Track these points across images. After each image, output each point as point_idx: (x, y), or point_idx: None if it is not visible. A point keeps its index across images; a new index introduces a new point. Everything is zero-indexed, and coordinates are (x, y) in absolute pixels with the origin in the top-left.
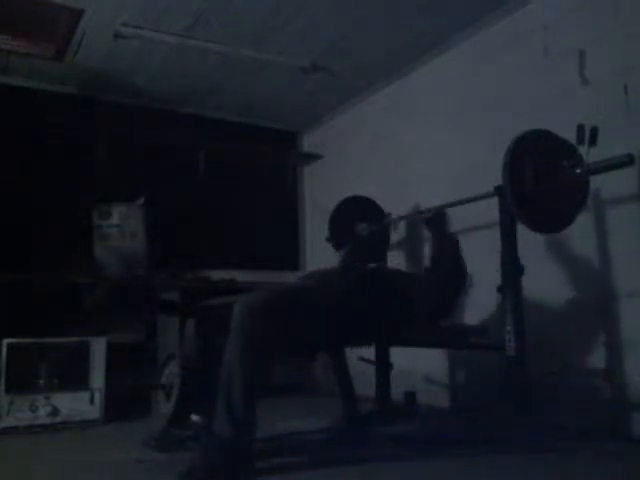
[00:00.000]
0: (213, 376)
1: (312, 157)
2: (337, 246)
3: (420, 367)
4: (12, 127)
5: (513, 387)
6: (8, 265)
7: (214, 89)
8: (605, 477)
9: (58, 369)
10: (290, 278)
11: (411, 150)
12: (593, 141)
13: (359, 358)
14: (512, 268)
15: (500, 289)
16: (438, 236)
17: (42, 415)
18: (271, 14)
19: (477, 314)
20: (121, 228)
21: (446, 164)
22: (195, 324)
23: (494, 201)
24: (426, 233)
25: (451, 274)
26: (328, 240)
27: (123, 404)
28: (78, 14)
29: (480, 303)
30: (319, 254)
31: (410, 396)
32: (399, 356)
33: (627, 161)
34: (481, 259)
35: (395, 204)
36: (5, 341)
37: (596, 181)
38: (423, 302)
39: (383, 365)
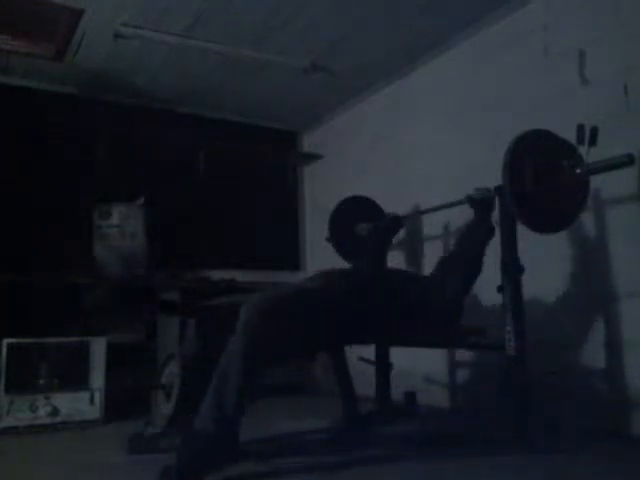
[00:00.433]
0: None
1: (312, 157)
2: (337, 246)
3: (420, 367)
4: (12, 127)
5: (513, 387)
6: (8, 265)
7: (214, 89)
8: (605, 477)
9: (58, 369)
10: (291, 278)
11: (411, 150)
12: (593, 141)
13: (359, 358)
14: (512, 268)
15: (500, 289)
16: (482, 219)
17: (42, 415)
18: (271, 14)
19: (477, 314)
20: (121, 228)
21: (446, 164)
22: (195, 324)
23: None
24: (427, 232)
25: (477, 261)
26: (328, 240)
27: (123, 404)
28: (78, 14)
29: (480, 303)
30: (319, 254)
31: (410, 396)
32: (399, 356)
33: (627, 161)
34: None
35: (395, 204)
36: (5, 341)
37: (596, 181)
38: (441, 292)
39: (383, 365)
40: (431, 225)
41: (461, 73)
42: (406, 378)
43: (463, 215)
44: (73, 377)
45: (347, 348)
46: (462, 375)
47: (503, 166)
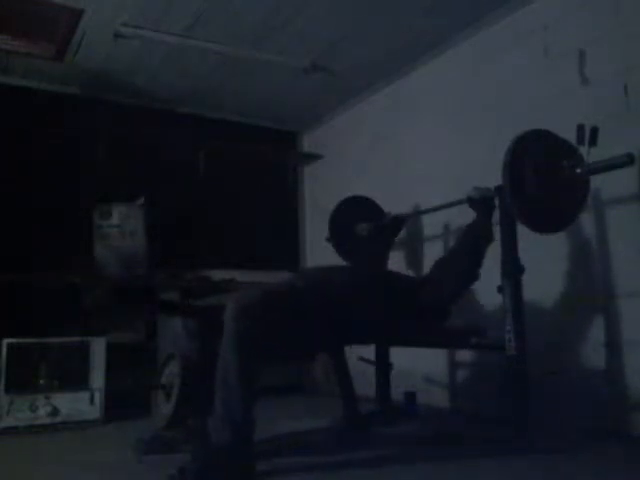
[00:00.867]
0: (213, 376)
1: (312, 157)
2: (337, 246)
3: (420, 367)
4: (12, 127)
5: (513, 387)
6: (8, 265)
7: (214, 89)
8: (605, 477)
9: (58, 369)
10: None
11: (411, 150)
12: (593, 141)
13: (359, 358)
14: (512, 268)
15: (500, 289)
16: (483, 218)
17: (42, 415)
18: (271, 14)
19: (477, 314)
20: (121, 228)
21: (446, 164)
22: (195, 324)
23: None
24: (427, 232)
25: (477, 261)
26: (328, 240)
27: (123, 404)
28: (78, 14)
29: (480, 303)
30: (319, 254)
31: (410, 396)
32: (399, 356)
33: (627, 161)
34: None
35: (395, 204)
36: (5, 341)
37: (596, 181)
38: (436, 288)
39: (383, 365)
40: (431, 225)
41: (461, 73)
42: (406, 378)
43: (463, 215)
44: (73, 377)
45: (347, 348)
46: (462, 375)
47: (503, 166)
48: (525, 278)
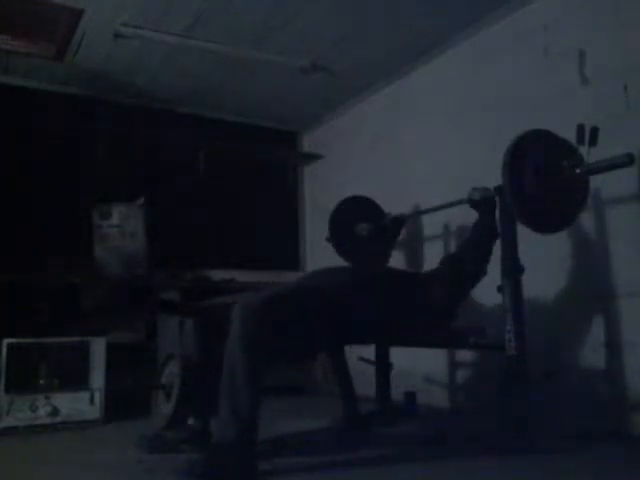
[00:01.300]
0: (213, 376)
1: (312, 157)
2: (337, 246)
3: (420, 367)
4: (12, 127)
5: (513, 387)
6: (8, 265)
7: (214, 89)
8: (605, 477)
9: (58, 369)
10: (290, 278)
11: (411, 150)
12: (593, 141)
13: (359, 358)
14: (512, 268)
15: (500, 289)
16: (485, 218)
17: (42, 415)
18: (271, 14)
19: (477, 314)
20: (121, 228)
21: (446, 164)
22: (195, 324)
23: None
24: (427, 232)
25: (484, 257)
26: (328, 240)
27: (123, 404)
28: (78, 14)
29: (480, 303)
30: (319, 254)
31: (410, 396)
32: (399, 356)
33: (627, 161)
34: None
35: (395, 204)
36: (5, 341)
37: (596, 181)
38: (441, 288)
39: (383, 365)
40: (431, 225)
41: (461, 73)
42: (406, 378)
43: (463, 215)
44: (73, 377)
45: (347, 348)
46: (462, 375)
47: (503, 166)
48: (525, 278)
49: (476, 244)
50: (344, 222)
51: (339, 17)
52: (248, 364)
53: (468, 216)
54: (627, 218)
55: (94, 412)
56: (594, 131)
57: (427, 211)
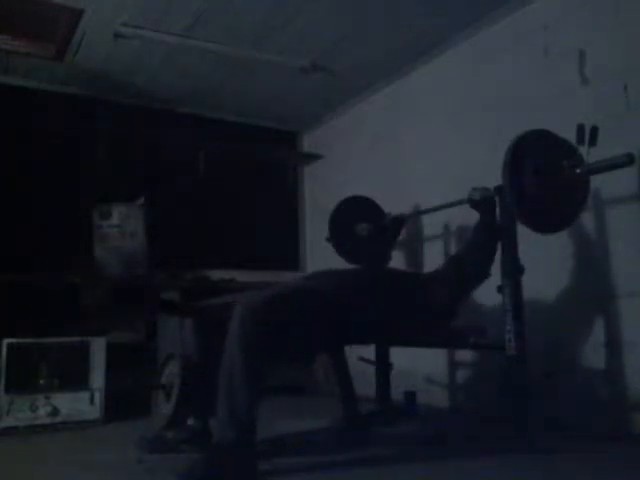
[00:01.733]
0: (213, 376)
1: (312, 157)
2: (337, 246)
3: (420, 367)
4: (12, 127)
5: (513, 387)
6: (8, 265)
7: (214, 89)
8: (605, 477)
9: (58, 369)
10: (290, 278)
11: (411, 150)
12: (593, 141)
13: (359, 358)
14: (512, 268)
15: (500, 289)
16: (486, 218)
17: (42, 415)
18: (271, 14)
19: (477, 314)
20: (121, 228)
21: (446, 164)
22: (195, 324)
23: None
24: (427, 232)
25: (488, 257)
26: (328, 240)
27: (123, 404)
28: (78, 14)
29: (480, 303)
30: (319, 254)
31: (410, 396)
32: (399, 356)
33: (627, 161)
34: None
35: (395, 204)
36: (5, 341)
37: (596, 181)
38: (443, 289)
39: (383, 365)
40: (431, 225)
41: (461, 73)
42: (406, 378)
43: (463, 215)
44: (73, 377)
45: (347, 348)
46: (462, 375)
47: (503, 166)
48: (525, 278)
49: (478, 245)
50: (344, 222)
51: (339, 17)
52: (247, 364)
53: (468, 216)
54: (627, 218)
55: (94, 412)
56: (594, 131)
57: (427, 211)
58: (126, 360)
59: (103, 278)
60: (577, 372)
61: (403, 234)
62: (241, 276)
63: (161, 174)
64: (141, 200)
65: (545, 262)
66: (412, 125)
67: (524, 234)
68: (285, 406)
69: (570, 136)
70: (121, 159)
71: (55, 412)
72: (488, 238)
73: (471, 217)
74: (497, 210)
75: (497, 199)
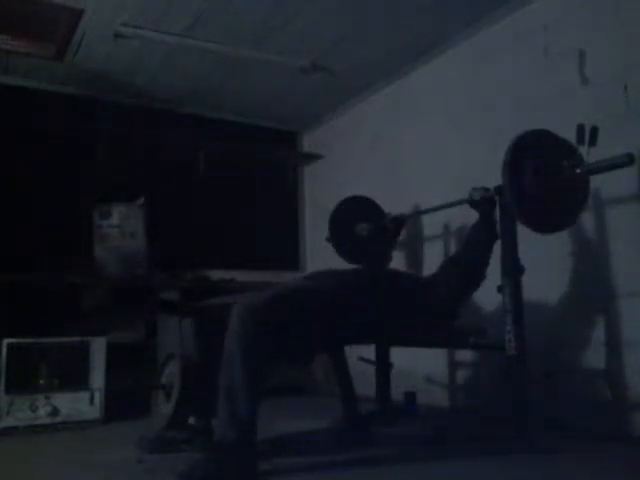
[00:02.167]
0: (213, 376)
1: (312, 157)
2: (337, 246)
3: (420, 367)
4: (12, 127)
5: (513, 387)
6: (8, 265)
7: (214, 89)
8: (605, 477)
9: (58, 369)
10: (290, 278)
11: (411, 150)
12: (593, 141)
13: (359, 358)
14: (512, 268)
15: (500, 289)
16: (485, 218)
17: (42, 415)
18: (271, 14)
19: (477, 314)
20: (121, 228)
21: (446, 164)
22: (195, 324)
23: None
24: (427, 232)
25: (483, 260)
26: (328, 240)
27: (123, 404)
28: (78, 14)
29: (480, 303)
30: (319, 254)
31: (410, 396)
32: (399, 356)
33: (627, 161)
34: None
35: (395, 204)
36: (5, 341)
37: (596, 181)
38: (442, 291)
39: (383, 365)
40: (431, 225)
41: (461, 73)
42: (406, 378)
43: (463, 215)
44: (73, 377)
45: (347, 348)
46: (462, 375)
47: (503, 166)
48: (525, 278)
49: (475, 247)
50: (344, 222)
51: (339, 17)
52: (247, 364)
53: (468, 216)
54: (627, 218)
55: (94, 412)
56: (594, 131)
57: (427, 211)
58: (126, 360)
59: (103, 278)
60: (577, 372)
61: (403, 234)
62: (241, 276)
63: (161, 174)
64: (141, 200)
65: (545, 262)
66: (412, 125)
67: (524, 234)
68: (285, 406)
69: (570, 136)
70: (121, 159)
71: (55, 412)
72: (485, 240)
73: (471, 217)
74: (497, 210)
75: (497, 199)
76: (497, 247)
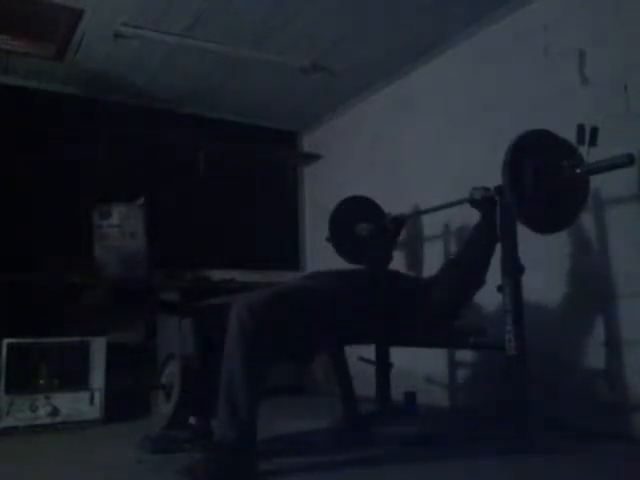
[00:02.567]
0: (213, 376)
1: (312, 157)
2: (337, 246)
3: (420, 367)
4: (12, 127)
5: (513, 387)
6: (8, 265)
7: (214, 89)
8: (605, 477)
9: (58, 369)
10: (290, 278)
11: (411, 150)
12: (593, 141)
13: (359, 358)
14: (512, 268)
15: (500, 289)
16: (486, 219)
17: (42, 415)
18: (271, 14)
19: (477, 314)
20: (121, 228)
21: (446, 164)
22: (195, 324)
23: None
24: (427, 232)
25: (483, 263)
26: (328, 240)
27: (123, 404)
28: (78, 14)
29: (480, 303)
30: (319, 254)
31: (410, 396)
32: (399, 356)
33: (627, 161)
34: None
35: (395, 204)
36: (5, 341)
37: (596, 181)
38: (442, 293)
39: (383, 365)
40: (431, 225)
41: (461, 73)
42: (406, 378)
43: (463, 215)
44: (73, 377)
45: (347, 348)
46: (462, 375)
47: (503, 166)
48: (525, 278)
49: (476, 249)
50: (344, 222)
51: (339, 17)
52: (246, 364)
53: (468, 216)
54: (627, 218)
55: (94, 412)
56: (594, 131)
57: (427, 211)
58: (126, 360)
59: (103, 278)
60: (577, 372)
61: (403, 234)
62: (241, 276)
63: (161, 174)
64: (141, 200)
65: (545, 262)
66: (412, 125)
67: (524, 234)
68: (285, 406)
69: (570, 136)
70: (121, 159)
71: (55, 412)
72: (488, 238)
73: (471, 217)
74: (497, 210)
75: (497, 199)
76: (497, 247)
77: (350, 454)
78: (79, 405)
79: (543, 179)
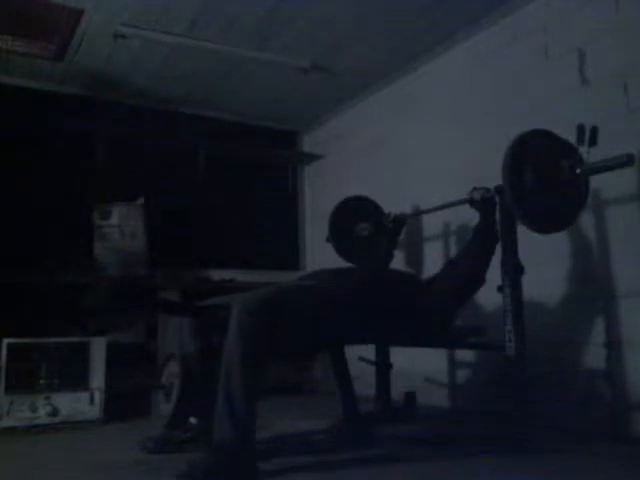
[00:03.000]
0: (213, 376)
1: (312, 157)
2: (337, 246)
3: (420, 367)
4: (12, 127)
5: (513, 387)
6: (8, 265)
7: (214, 89)
8: (605, 477)
9: (58, 369)
10: (290, 278)
11: (411, 150)
12: (593, 141)
13: (359, 358)
14: (512, 268)
15: (500, 289)
16: (486, 219)
17: (42, 415)
18: (271, 14)
19: (477, 314)
20: (121, 228)
21: (446, 164)
22: (195, 324)
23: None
24: (427, 232)
25: (484, 263)
26: (328, 240)
27: (123, 404)
28: (78, 14)
29: (480, 303)
30: (319, 254)
31: (410, 396)
32: (399, 356)
33: (627, 161)
34: None
35: (395, 204)
36: (5, 341)
37: (596, 181)
38: (441, 294)
39: (383, 365)
40: (431, 225)
41: (461, 73)
42: (406, 378)
43: (463, 215)
44: (73, 377)
45: (347, 348)
46: (462, 375)
47: (503, 166)
48: (525, 278)
49: (476, 250)
50: (344, 222)
51: (339, 17)
52: (245, 364)
53: (468, 216)
54: (627, 218)
55: (94, 412)
56: (594, 131)
57: (427, 211)
58: (126, 360)
59: (103, 278)
60: (577, 372)
61: (403, 234)
62: (241, 276)
63: (161, 174)
64: (141, 200)
65: (545, 262)
66: (412, 125)
67: (524, 234)
68: (285, 406)
69: (570, 136)
70: (121, 159)
71: (55, 412)
72: (488, 239)
73: (471, 217)
74: (497, 210)
75: (497, 199)
76: (497, 247)
77: (350, 454)
78: (79, 405)
79: (543, 179)
